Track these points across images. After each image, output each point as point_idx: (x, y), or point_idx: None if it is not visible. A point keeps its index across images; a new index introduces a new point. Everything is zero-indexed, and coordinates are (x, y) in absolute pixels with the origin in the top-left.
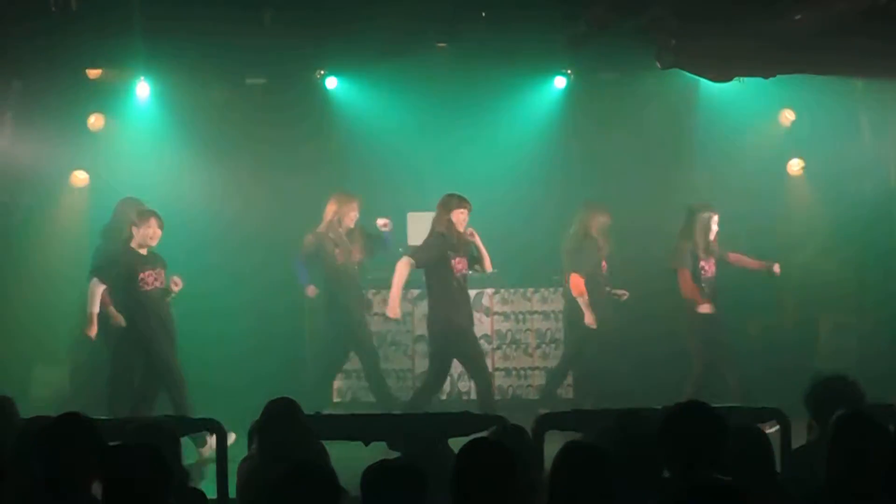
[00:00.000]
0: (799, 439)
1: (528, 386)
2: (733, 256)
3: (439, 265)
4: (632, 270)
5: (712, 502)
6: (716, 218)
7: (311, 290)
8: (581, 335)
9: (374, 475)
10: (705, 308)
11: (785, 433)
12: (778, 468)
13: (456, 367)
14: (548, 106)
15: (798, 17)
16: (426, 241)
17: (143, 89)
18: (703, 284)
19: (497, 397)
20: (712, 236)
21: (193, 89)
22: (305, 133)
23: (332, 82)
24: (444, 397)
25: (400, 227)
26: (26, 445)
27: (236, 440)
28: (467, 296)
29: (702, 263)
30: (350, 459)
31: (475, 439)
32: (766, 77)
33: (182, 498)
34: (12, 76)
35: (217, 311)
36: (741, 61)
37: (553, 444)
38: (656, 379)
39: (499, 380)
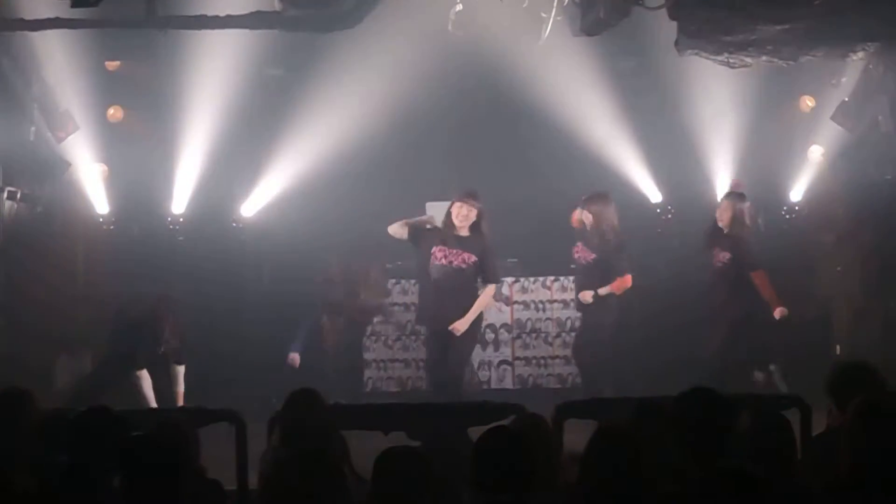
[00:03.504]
0: (819, 426)
1: (548, 375)
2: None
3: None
4: (654, 258)
5: (734, 490)
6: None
7: None
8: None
9: (381, 462)
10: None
11: (805, 420)
12: (798, 454)
13: (475, 356)
14: (566, 93)
15: (817, 1)
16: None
17: (161, 81)
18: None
19: (517, 386)
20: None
21: (214, 80)
22: (325, 124)
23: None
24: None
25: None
26: (49, 437)
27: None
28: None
29: None
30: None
31: (492, 427)
32: (785, 63)
33: (199, 488)
34: (34, 69)
35: (239, 303)
36: (761, 47)
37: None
38: (676, 366)
39: (518, 369)
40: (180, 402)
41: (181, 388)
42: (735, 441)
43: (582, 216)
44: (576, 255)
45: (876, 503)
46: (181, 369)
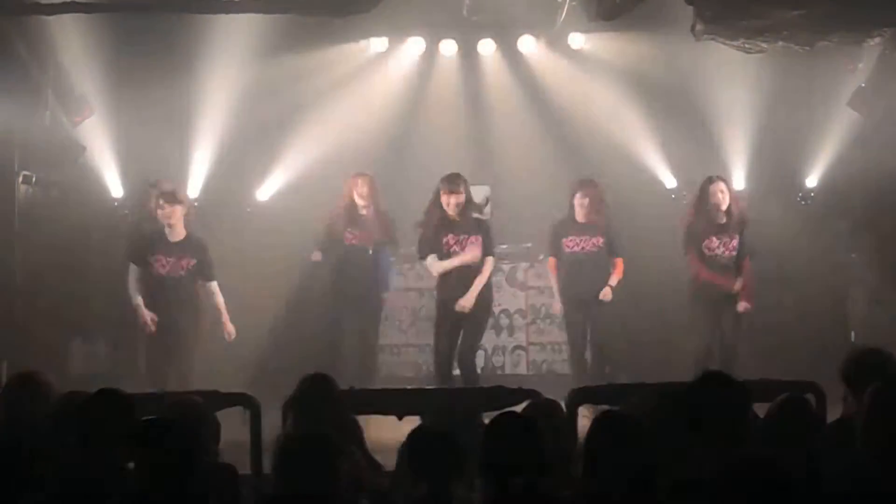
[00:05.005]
0: (834, 413)
1: (563, 360)
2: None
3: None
4: (669, 244)
5: (752, 477)
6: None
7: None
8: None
9: (412, 443)
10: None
11: (820, 407)
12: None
13: (488, 341)
14: (579, 77)
15: None
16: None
17: (175, 65)
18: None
19: (531, 371)
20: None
21: (228, 64)
22: (336, 109)
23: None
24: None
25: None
26: (63, 420)
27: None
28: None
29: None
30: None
31: (503, 412)
32: (801, 48)
33: (213, 472)
34: (49, 53)
35: (252, 287)
36: (777, 32)
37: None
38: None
39: (533, 354)
40: (225, 313)
41: (220, 298)
42: (753, 426)
43: (577, 201)
44: (577, 248)
45: (892, 491)
46: (214, 284)
